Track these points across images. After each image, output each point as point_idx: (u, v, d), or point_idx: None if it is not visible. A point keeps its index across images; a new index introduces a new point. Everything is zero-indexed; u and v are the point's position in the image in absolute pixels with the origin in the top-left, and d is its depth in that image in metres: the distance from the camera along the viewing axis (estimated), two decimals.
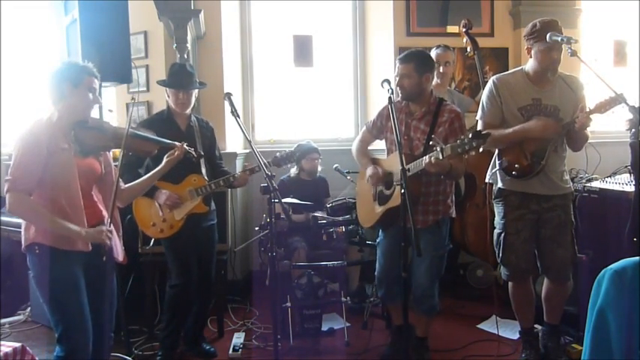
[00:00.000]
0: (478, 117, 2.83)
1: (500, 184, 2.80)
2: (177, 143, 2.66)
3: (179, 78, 2.99)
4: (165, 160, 2.61)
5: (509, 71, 2.92)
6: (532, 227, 2.76)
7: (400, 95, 2.80)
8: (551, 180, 2.71)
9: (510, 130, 2.68)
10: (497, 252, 2.84)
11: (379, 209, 2.82)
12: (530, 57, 2.68)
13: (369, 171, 2.84)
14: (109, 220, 2.20)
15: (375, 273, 2.98)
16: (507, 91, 2.72)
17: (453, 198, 2.87)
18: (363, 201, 3.02)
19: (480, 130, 2.44)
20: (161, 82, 3.09)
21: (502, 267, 2.86)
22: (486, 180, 2.92)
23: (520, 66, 2.87)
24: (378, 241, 2.97)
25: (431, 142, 2.50)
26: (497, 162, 2.79)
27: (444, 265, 2.86)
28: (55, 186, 2.10)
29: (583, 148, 2.83)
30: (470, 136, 2.26)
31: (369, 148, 3.05)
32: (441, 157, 2.36)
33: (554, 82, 2.70)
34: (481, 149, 2.30)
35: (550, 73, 2.68)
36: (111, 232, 2.19)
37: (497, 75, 2.83)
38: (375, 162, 2.93)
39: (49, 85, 2.19)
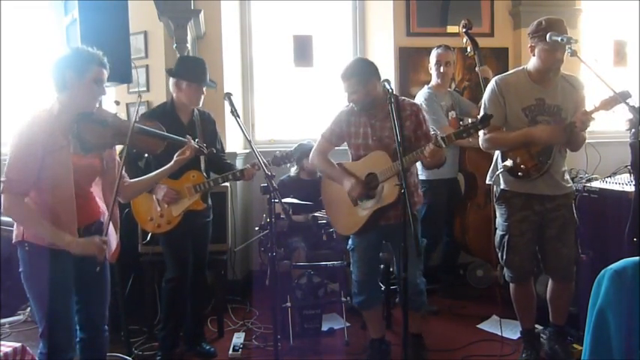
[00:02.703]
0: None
1: (503, 186, 2.79)
2: (185, 140, 2.61)
3: (201, 72, 2.94)
4: (175, 158, 2.57)
5: (509, 72, 2.90)
6: (535, 228, 2.76)
7: (355, 108, 2.80)
8: (554, 180, 2.72)
9: (516, 133, 2.67)
10: (500, 254, 2.84)
11: (365, 212, 2.74)
12: (534, 55, 2.67)
13: (347, 185, 2.75)
14: (108, 218, 2.14)
15: (354, 278, 2.88)
16: (511, 92, 2.71)
17: (420, 191, 2.93)
18: (339, 208, 2.87)
19: (485, 114, 2.43)
20: (179, 75, 2.95)
21: (505, 268, 2.86)
22: (487, 182, 2.91)
23: (520, 66, 2.86)
24: (351, 246, 2.89)
25: (432, 133, 2.61)
26: (499, 164, 2.78)
27: (422, 259, 2.87)
28: (49, 186, 2.03)
29: (583, 148, 2.83)
30: (479, 118, 2.39)
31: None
32: (444, 145, 2.44)
33: (556, 82, 2.70)
34: (476, 134, 2.49)
35: (552, 72, 2.67)
36: (106, 242, 2.11)
37: (499, 76, 2.82)
38: (346, 170, 2.84)
39: (52, 72, 2.07)
